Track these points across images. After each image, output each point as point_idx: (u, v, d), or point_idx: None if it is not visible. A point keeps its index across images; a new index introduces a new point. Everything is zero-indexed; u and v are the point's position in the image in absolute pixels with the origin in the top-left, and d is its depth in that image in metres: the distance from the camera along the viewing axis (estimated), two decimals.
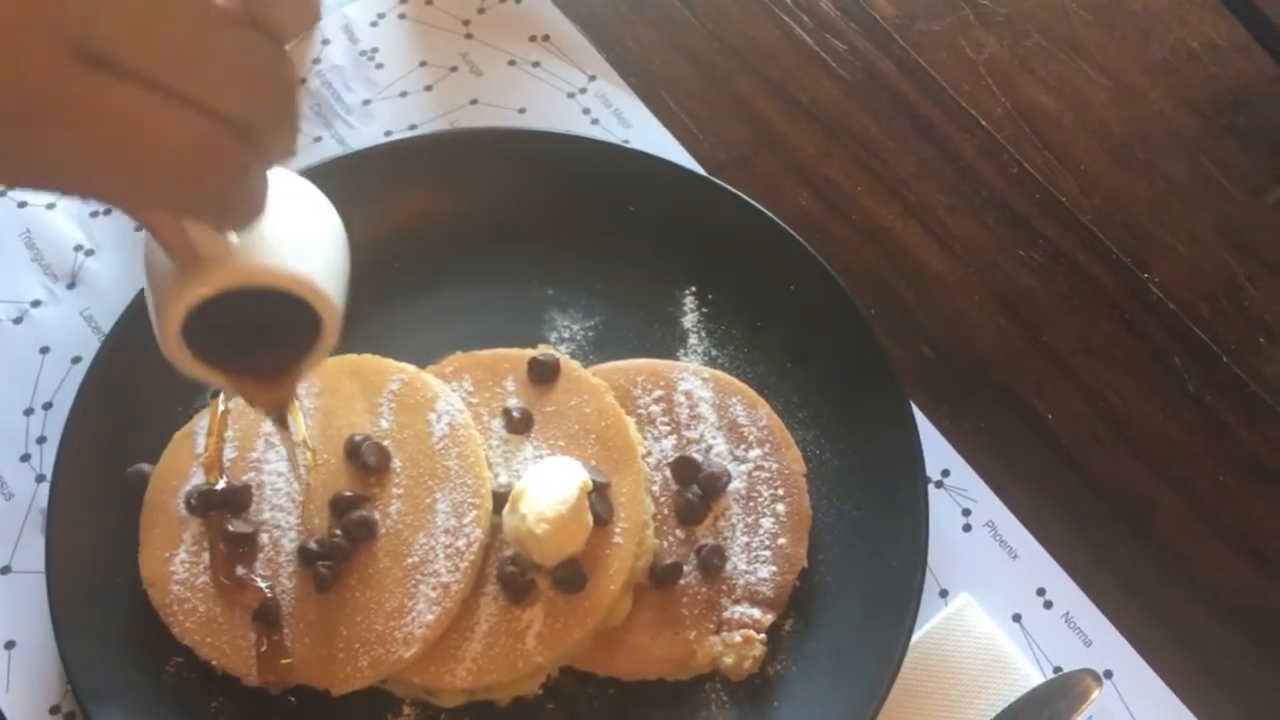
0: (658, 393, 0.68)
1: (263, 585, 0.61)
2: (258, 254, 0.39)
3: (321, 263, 0.42)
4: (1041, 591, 0.68)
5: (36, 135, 0.29)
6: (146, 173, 0.31)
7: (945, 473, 0.71)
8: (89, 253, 0.74)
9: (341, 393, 0.65)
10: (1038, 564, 0.69)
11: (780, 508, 0.65)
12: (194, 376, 0.44)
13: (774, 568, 0.64)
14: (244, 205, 0.34)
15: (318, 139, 0.79)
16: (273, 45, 0.32)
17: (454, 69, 0.83)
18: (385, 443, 0.63)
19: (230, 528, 0.62)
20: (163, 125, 0.30)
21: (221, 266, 0.38)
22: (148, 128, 0.30)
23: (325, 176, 0.71)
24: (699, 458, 0.66)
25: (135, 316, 0.68)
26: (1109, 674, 0.66)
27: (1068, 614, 0.67)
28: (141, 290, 0.67)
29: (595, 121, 0.81)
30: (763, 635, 0.63)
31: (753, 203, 0.72)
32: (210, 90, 0.30)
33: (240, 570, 0.61)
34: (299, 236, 0.41)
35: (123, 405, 0.67)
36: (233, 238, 0.39)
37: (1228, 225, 0.78)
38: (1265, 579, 0.69)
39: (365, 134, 0.79)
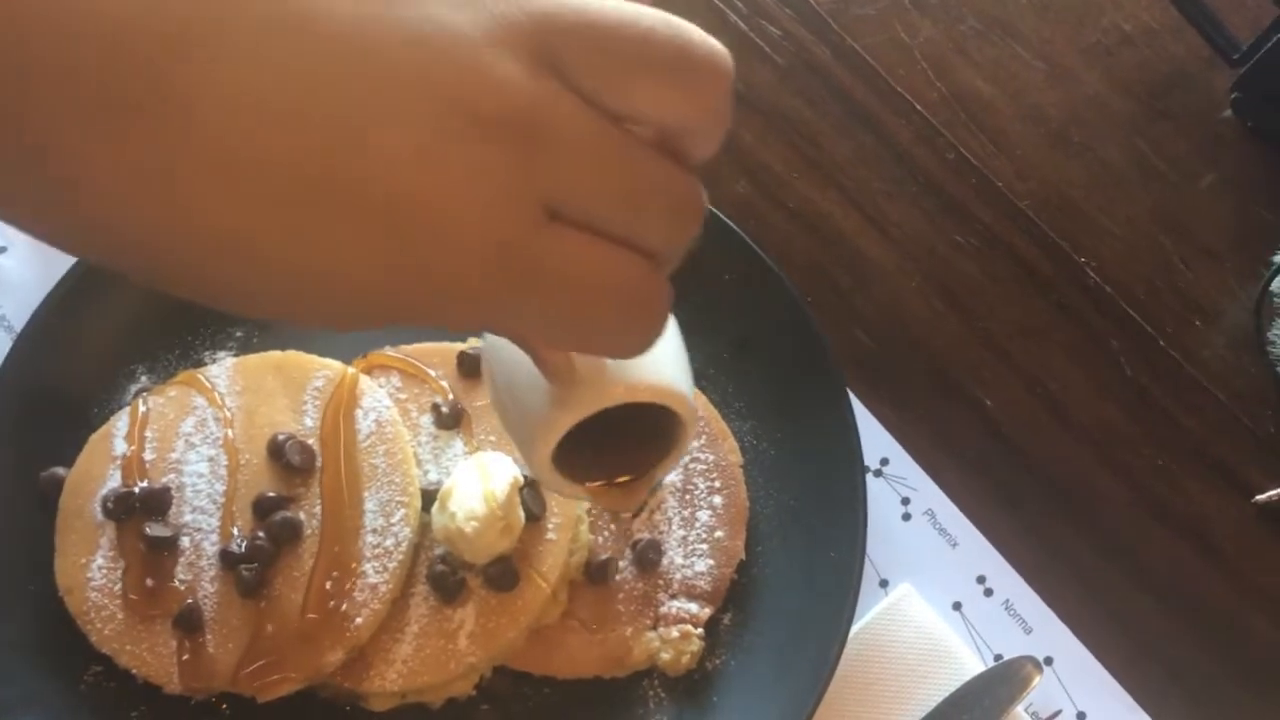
0: None
1: (179, 586, 0.59)
2: (631, 370, 0.38)
3: (678, 364, 0.41)
4: (981, 579, 0.67)
5: (506, 299, 0.29)
6: (590, 321, 0.31)
7: (884, 461, 0.70)
8: (0, 250, 0.72)
9: (264, 390, 0.63)
10: (977, 552, 0.68)
11: (717, 500, 0.64)
12: (555, 491, 0.44)
13: (711, 561, 0.63)
14: (659, 334, 0.33)
15: None
16: (690, 175, 0.32)
17: None
18: (310, 441, 0.62)
19: (149, 531, 0.60)
20: (612, 275, 0.30)
21: (599, 387, 0.38)
22: (600, 280, 0.30)
23: None
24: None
25: (48, 315, 0.66)
26: (1049, 661, 0.66)
27: (1008, 601, 0.67)
28: (55, 288, 0.66)
29: None
30: (700, 630, 0.62)
31: None
32: (647, 231, 0.31)
33: (150, 582, 0.59)
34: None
35: (36, 407, 0.65)
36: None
37: (1163, 208, 0.78)
38: (1205, 563, 0.69)
39: None
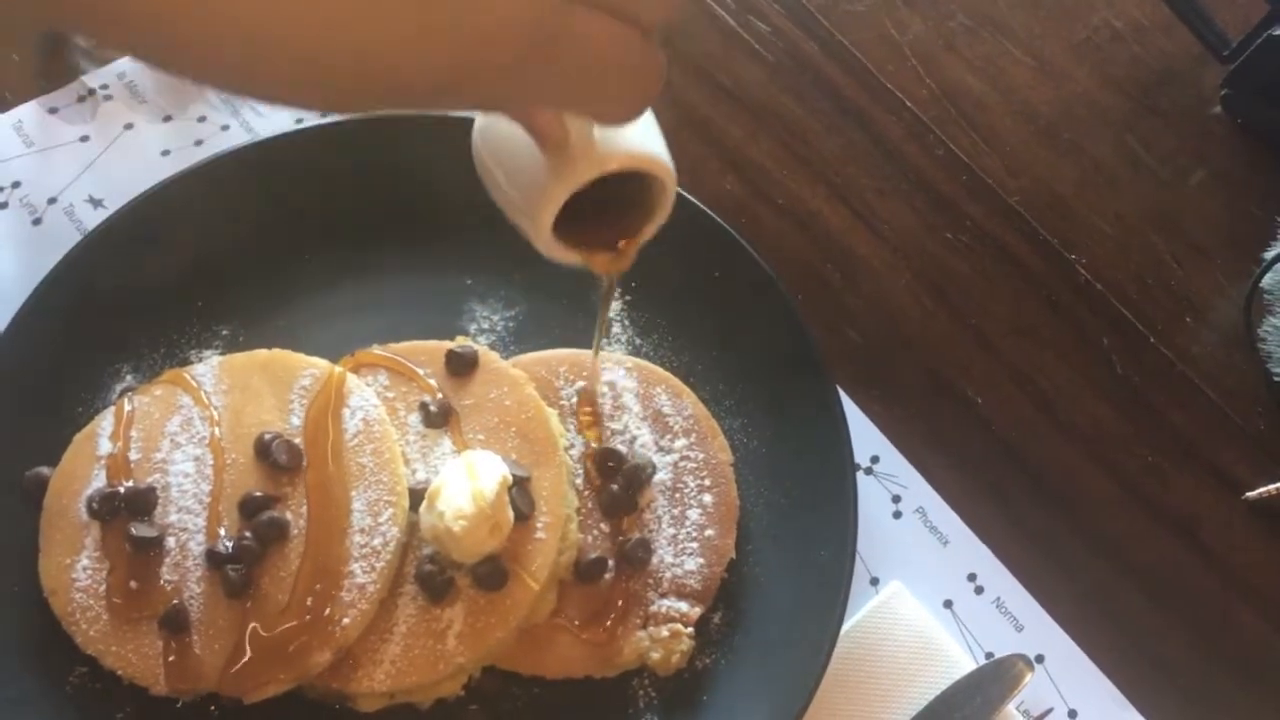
0: (580, 384, 0.66)
1: (165, 587, 0.58)
2: (617, 141, 0.44)
3: (658, 137, 0.46)
4: (972, 577, 0.67)
5: (531, 68, 0.33)
6: (600, 85, 0.36)
7: (875, 459, 0.70)
8: None
9: (251, 389, 0.63)
10: (968, 549, 0.68)
11: (707, 498, 0.64)
12: (556, 259, 0.49)
13: (701, 560, 0.63)
14: (652, 99, 0.38)
15: (225, 127, 0.77)
16: None
17: None
18: (296, 441, 0.61)
19: (134, 532, 0.59)
20: (619, 45, 0.35)
21: (591, 156, 0.43)
22: (610, 49, 0.35)
23: (233, 165, 0.70)
24: (623, 449, 0.64)
25: (33, 315, 0.65)
26: (1040, 658, 0.65)
27: (999, 599, 0.67)
28: (39, 287, 0.65)
29: None
30: (690, 629, 0.62)
31: (677, 189, 0.70)
32: (643, 8, 0.35)
33: (134, 584, 0.58)
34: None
35: (21, 406, 0.64)
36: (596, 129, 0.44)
37: (1153, 205, 0.78)
38: (1195, 559, 0.69)
39: (275, 122, 0.77)
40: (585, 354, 0.67)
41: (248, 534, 0.59)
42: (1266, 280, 0.72)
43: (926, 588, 0.67)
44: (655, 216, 0.49)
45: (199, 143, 0.76)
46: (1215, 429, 0.72)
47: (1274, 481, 0.69)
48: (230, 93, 0.34)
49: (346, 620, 0.58)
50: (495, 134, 0.47)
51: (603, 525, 0.63)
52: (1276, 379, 0.72)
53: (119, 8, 0.29)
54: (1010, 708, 0.63)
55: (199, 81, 0.31)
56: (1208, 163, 0.80)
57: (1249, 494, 0.70)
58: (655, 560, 0.62)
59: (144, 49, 0.30)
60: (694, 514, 0.64)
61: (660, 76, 0.37)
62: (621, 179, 0.45)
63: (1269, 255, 0.72)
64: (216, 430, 0.62)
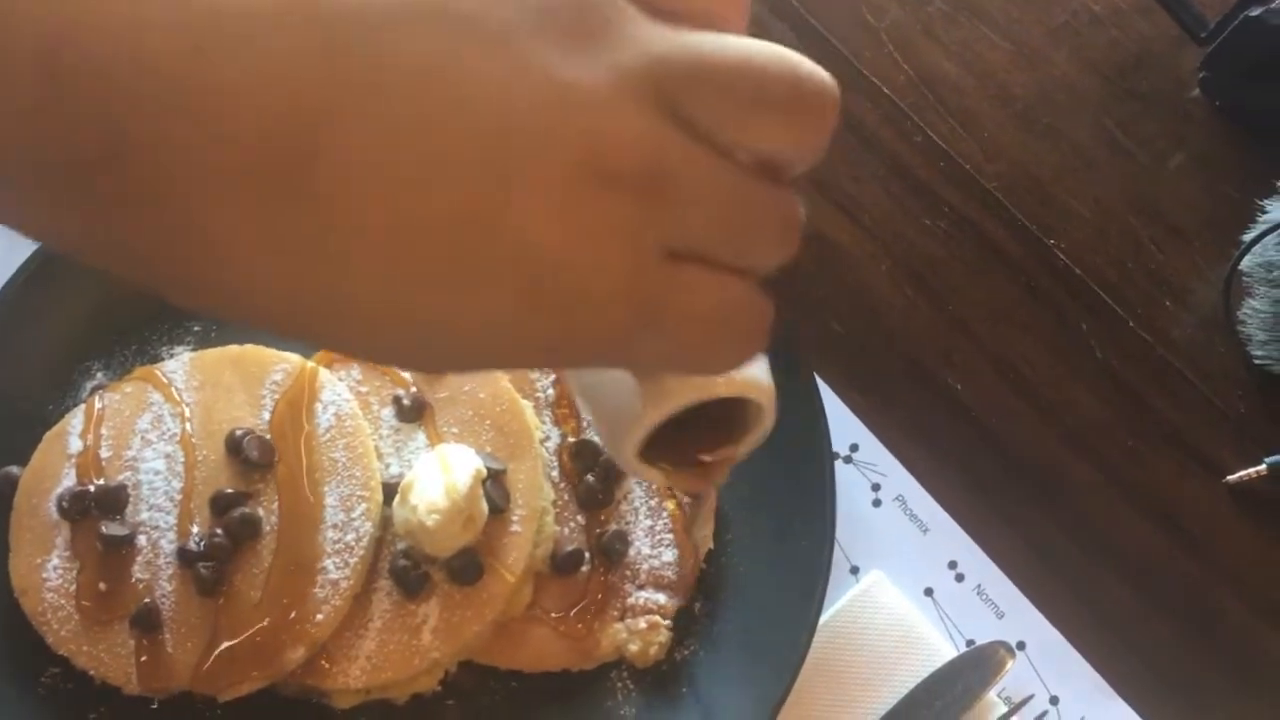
0: (556, 375, 0.66)
1: (136, 586, 0.58)
2: None
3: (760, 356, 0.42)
4: (953, 565, 0.67)
5: (631, 332, 0.30)
6: (706, 348, 0.32)
7: (854, 447, 0.69)
8: None
9: (222, 385, 0.62)
10: (949, 537, 0.67)
11: None
12: (644, 479, 0.47)
13: (679, 551, 0.62)
14: (762, 348, 0.35)
15: None
16: (791, 194, 0.32)
17: None
18: (268, 437, 0.61)
19: (105, 530, 0.59)
20: (726, 304, 0.31)
21: (690, 384, 0.38)
22: (716, 310, 0.31)
23: None
24: (598, 441, 0.64)
25: (1, 311, 0.64)
26: (1022, 645, 0.65)
27: (979, 586, 0.66)
28: (8, 284, 0.65)
29: None
30: (668, 621, 0.61)
31: None
32: (756, 256, 0.32)
33: (103, 586, 0.58)
34: None
35: None
36: None
37: (1132, 189, 0.77)
38: (1176, 545, 0.69)
39: None
40: None
41: (219, 531, 0.58)
42: (1246, 262, 0.71)
43: (907, 576, 0.66)
44: (750, 437, 0.44)
45: None
46: (1196, 413, 0.72)
47: (1255, 465, 0.69)
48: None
49: (320, 616, 0.57)
50: None
51: (579, 518, 0.63)
52: (1257, 361, 0.71)
53: (231, 296, 0.28)
54: (991, 695, 0.63)
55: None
56: (1186, 145, 0.79)
57: (1230, 478, 0.69)
58: (632, 552, 0.62)
59: (256, 322, 0.30)
60: (671, 505, 0.63)
61: (768, 324, 0.34)
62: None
63: (1248, 237, 0.71)
64: (188, 427, 0.61)
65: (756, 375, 0.40)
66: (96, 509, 0.59)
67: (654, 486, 0.63)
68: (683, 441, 0.44)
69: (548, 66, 0.27)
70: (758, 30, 0.74)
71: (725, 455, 0.45)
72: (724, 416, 0.43)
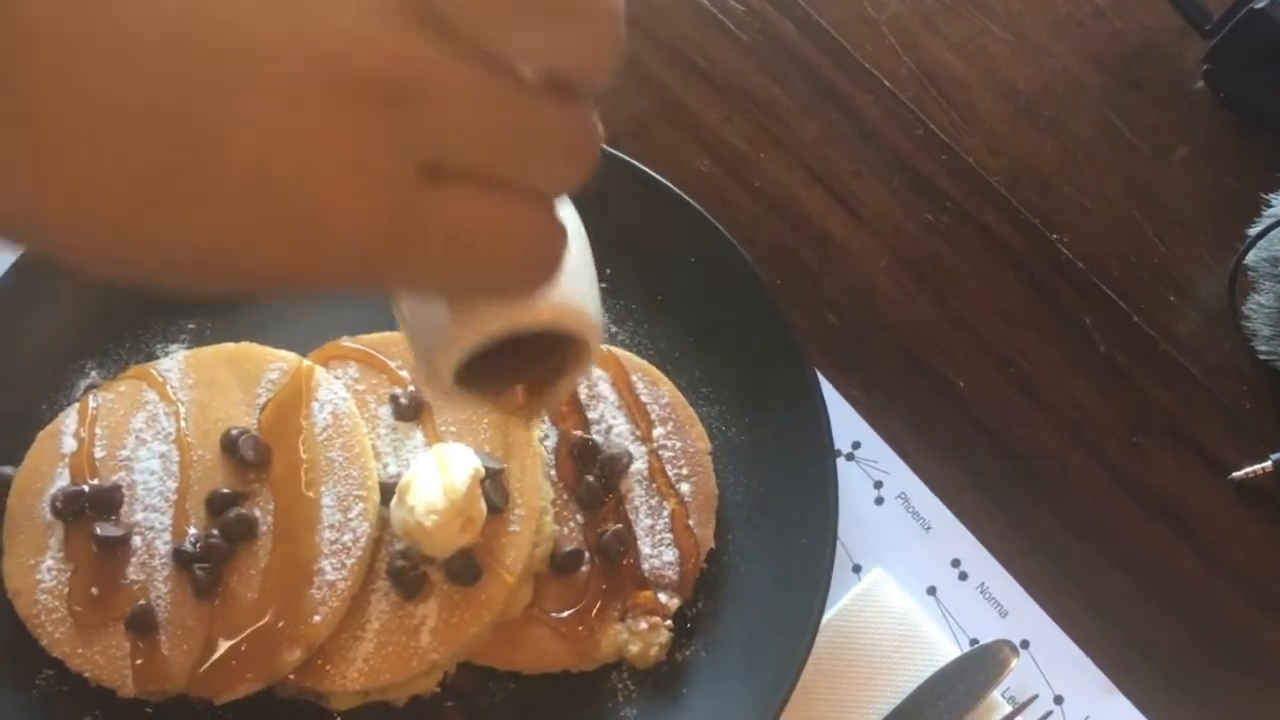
0: None
1: (131, 587, 0.57)
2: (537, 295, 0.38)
3: (585, 287, 0.40)
4: (956, 563, 0.66)
5: (392, 260, 0.29)
6: (483, 273, 0.31)
7: (856, 445, 0.69)
8: None
9: (217, 383, 0.62)
10: (952, 535, 0.67)
11: (685, 488, 0.63)
12: (459, 404, 0.44)
13: (680, 550, 0.62)
14: (554, 272, 0.33)
15: None
16: (582, 110, 0.30)
17: None
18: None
19: (99, 531, 0.58)
20: (500, 227, 0.30)
21: (502, 312, 0.37)
22: (488, 234, 0.30)
23: None
24: (599, 439, 0.63)
25: None
26: (1026, 644, 0.65)
27: (983, 585, 0.66)
28: (1, 280, 0.64)
29: None
30: (669, 621, 0.61)
31: (651, 173, 0.69)
32: (536, 175, 0.30)
33: (95, 591, 0.57)
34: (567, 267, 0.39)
35: None
36: None
37: (1136, 182, 0.77)
38: (1181, 541, 0.68)
39: None
40: None
41: (215, 532, 0.58)
42: (1251, 257, 0.71)
43: (909, 574, 0.66)
44: (572, 372, 0.43)
45: None
46: (1200, 409, 0.71)
47: (1260, 462, 0.69)
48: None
49: (317, 618, 0.57)
50: None
51: (579, 517, 0.62)
52: (1262, 357, 0.71)
53: None
54: (995, 694, 0.62)
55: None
56: (1190, 138, 0.78)
57: (1235, 474, 0.69)
58: (633, 552, 0.61)
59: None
60: (672, 504, 0.63)
61: (559, 246, 0.32)
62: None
63: (1253, 231, 0.70)
64: (183, 426, 0.61)
65: (578, 307, 0.39)
66: (91, 509, 0.59)
67: (655, 487, 0.63)
68: (514, 370, 0.43)
69: None
70: (764, 28, 0.74)
71: (546, 392, 0.44)
72: (553, 345, 0.42)
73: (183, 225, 0.27)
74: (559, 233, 0.32)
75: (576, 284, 0.39)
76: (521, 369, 0.43)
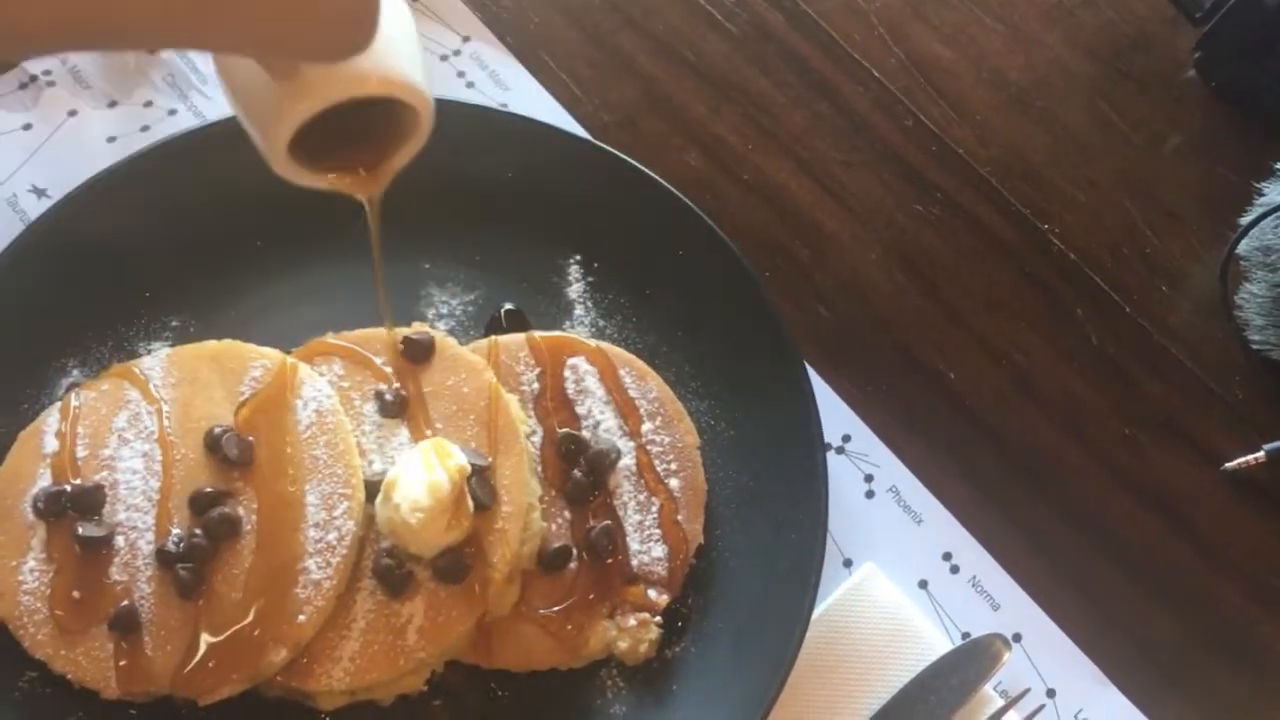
0: (542, 368, 0.64)
1: (114, 588, 0.57)
2: (359, 64, 0.38)
3: (410, 57, 0.41)
4: (948, 556, 0.66)
5: (195, 11, 0.29)
6: (294, 27, 0.31)
7: (846, 438, 0.68)
8: None
9: (200, 381, 0.61)
10: (943, 528, 0.66)
11: (674, 483, 0.62)
12: (299, 183, 0.45)
13: (669, 546, 0.61)
14: (372, 35, 0.34)
15: (173, 112, 0.74)
16: None
17: None
18: (248, 434, 0.59)
19: (81, 531, 0.57)
20: None
21: (326, 80, 0.38)
22: None
23: (180, 150, 0.68)
24: (586, 435, 0.62)
25: None
26: (1018, 637, 0.64)
27: (975, 578, 0.65)
28: None
29: (470, 85, 0.77)
30: (658, 617, 0.60)
31: (639, 166, 0.68)
32: None
33: (76, 595, 0.57)
34: (387, 37, 0.39)
35: None
36: None
37: (1128, 172, 0.76)
38: (1173, 532, 0.68)
39: (223, 105, 0.74)
40: (545, 336, 0.65)
41: (198, 531, 0.57)
42: (1243, 246, 0.70)
43: (901, 568, 0.65)
44: (409, 142, 0.44)
45: (145, 128, 0.73)
46: (1193, 399, 0.71)
47: (1253, 452, 0.68)
48: None
49: (302, 617, 0.56)
50: None
51: (567, 513, 0.61)
52: (1254, 347, 0.70)
53: None
54: (988, 688, 0.62)
55: None
56: (1182, 128, 0.78)
57: (1228, 465, 0.69)
58: (621, 548, 0.61)
59: None
60: (661, 499, 0.62)
61: (373, 6, 0.32)
62: (375, 99, 0.40)
63: (1245, 221, 0.70)
64: (165, 424, 0.60)
65: (405, 75, 0.40)
66: (73, 509, 0.58)
67: (643, 482, 0.62)
68: (353, 146, 0.44)
69: None
70: (752, 19, 0.73)
71: (385, 166, 0.45)
72: (393, 121, 0.43)
73: None
74: None
75: (400, 52, 0.40)
76: (359, 145, 0.44)
